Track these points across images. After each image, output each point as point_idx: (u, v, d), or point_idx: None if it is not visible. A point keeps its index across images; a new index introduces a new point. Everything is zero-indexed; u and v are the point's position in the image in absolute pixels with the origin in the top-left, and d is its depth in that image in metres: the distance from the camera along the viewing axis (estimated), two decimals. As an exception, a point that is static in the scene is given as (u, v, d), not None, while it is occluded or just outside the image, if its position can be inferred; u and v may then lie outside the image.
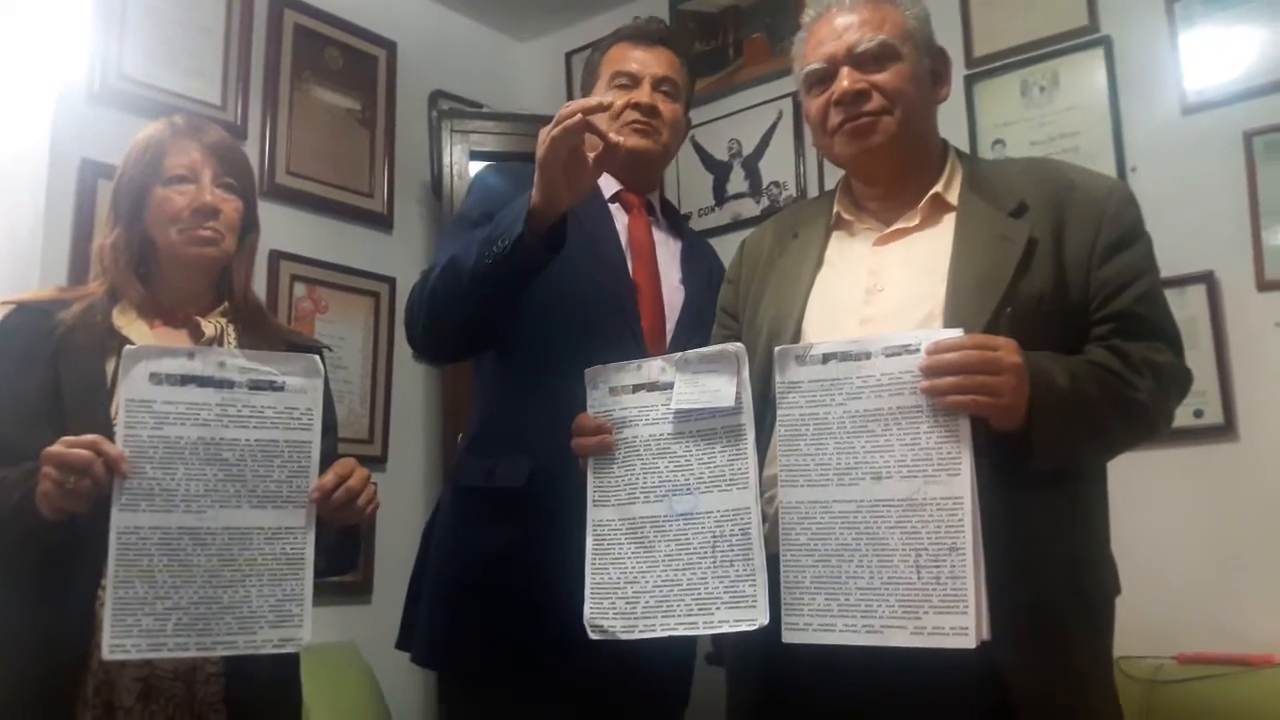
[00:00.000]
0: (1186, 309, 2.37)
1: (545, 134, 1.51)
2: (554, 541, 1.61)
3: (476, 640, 1.75)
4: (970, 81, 2.79)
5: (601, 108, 1.58)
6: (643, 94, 1.91)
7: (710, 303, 1.81)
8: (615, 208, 1.95)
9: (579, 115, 1.49)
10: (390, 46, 3.31)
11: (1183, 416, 2.27)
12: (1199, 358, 2.34)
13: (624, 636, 1.38)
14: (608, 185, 1.94)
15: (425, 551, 1.92)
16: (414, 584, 1.92)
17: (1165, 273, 1.57)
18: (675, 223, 2.09)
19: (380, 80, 3.27)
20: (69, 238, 2.47)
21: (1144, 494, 2.25)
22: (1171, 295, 2.26)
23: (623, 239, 1.91)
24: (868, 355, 1.28)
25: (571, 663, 1.60)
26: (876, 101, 1.45)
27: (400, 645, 1.91)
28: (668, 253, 1.97)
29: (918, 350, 1.25)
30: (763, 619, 1.30)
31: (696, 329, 1.84)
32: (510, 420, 1.83)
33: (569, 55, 3.63)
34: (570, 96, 3.59)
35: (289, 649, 1.37)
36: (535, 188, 1.56)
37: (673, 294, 1.90)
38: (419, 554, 1.94)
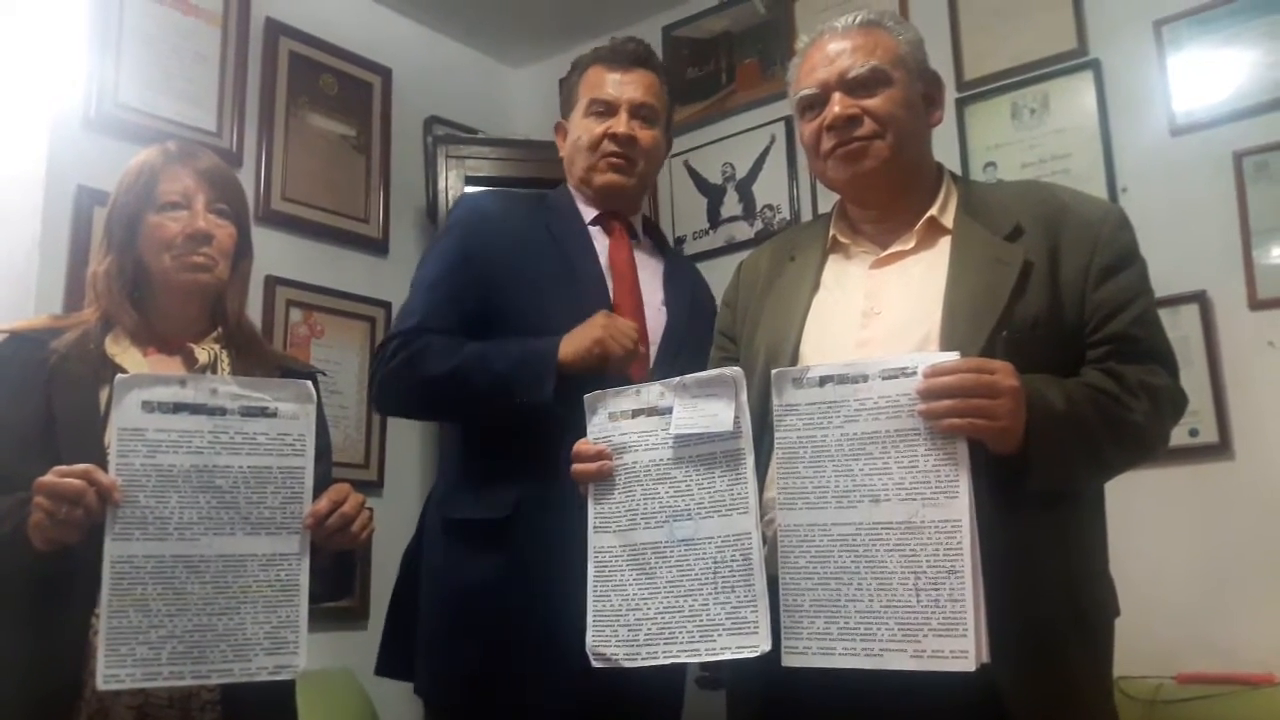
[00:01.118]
0: (1179, 329, 2.37)
1: (616, 344, 1.69)
2: (544, 569, 1.60)
3: (472, 671, 1.74)
4: (961, 104, 2.81)
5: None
6: (619, 124, 1.91)
7: (692, 324, 1.84)
8: (596, 230, 1.95)
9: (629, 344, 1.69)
10: (385, 73, 3.32)
11: (1178, 436, 2.27)
12: (1193, 377, 2.34)
13: (626, 664, 1.37)
14: (588, 211, 1.96)
15: (408, 578, 1.91)
16: (395, 610, 1.91)
17: (1158, 293, 1.57)
18: (658, 243, 2.10)
19: (375, 106, 3.28)
20: (65, 264, 2.47)
21: (1141, 514, 2.24)
22: (1164, 315, 2.25)
23: (603, 262, 1.91)
24: (865, 378, 1.28)
25: (564, 688, 1.59)
26: (868, 126, 1.46)
27: (380, 671, 1.90)
28: (649, 274, 1.97)
29: (915, 373, 1.25)
30: (765, 645, 1.29)
31: (680, 351, 1.86)
32: (494, 449, 1.82)
33: (563, 81, 3.65)
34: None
35: (284, 676, 1.36)
36: (574, 356, 1.68)
37: (655, 316, 1.91)
38: (400, 579, 1.93)
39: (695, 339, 1.90)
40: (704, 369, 1.98)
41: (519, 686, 1.71)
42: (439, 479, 2.00)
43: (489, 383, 1.71)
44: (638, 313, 1.87)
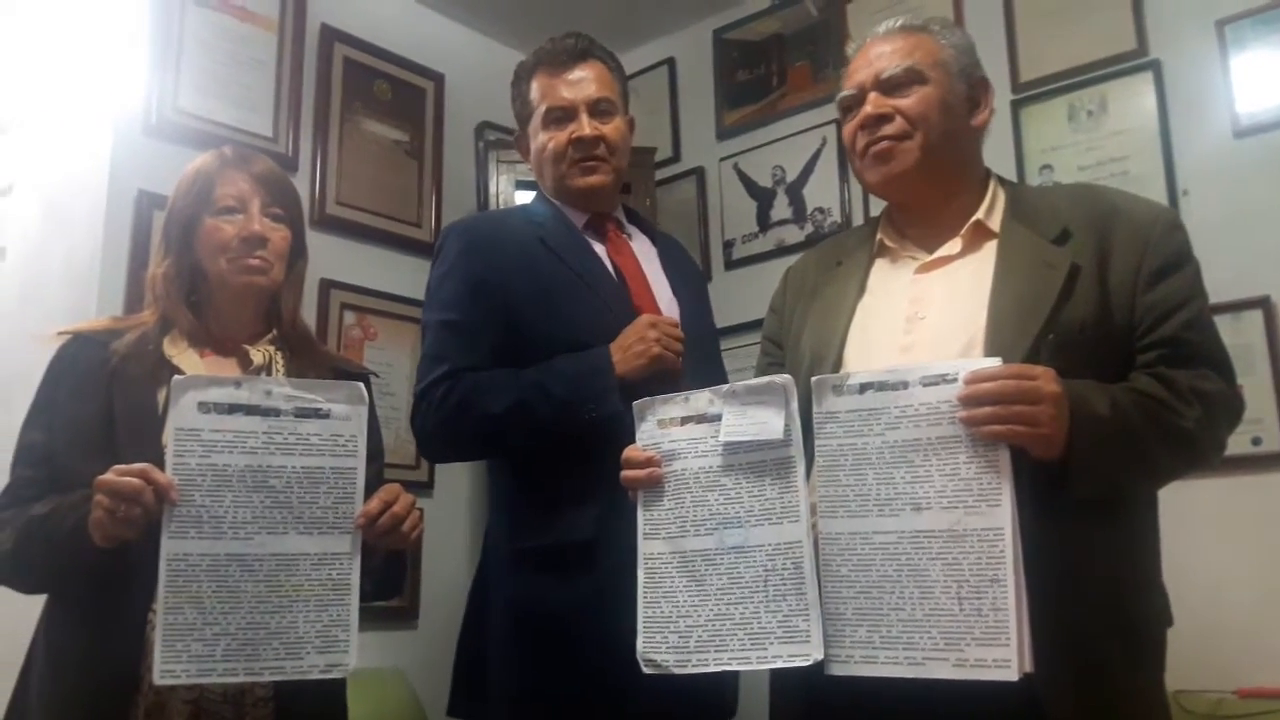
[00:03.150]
0: (1242, 335, 2.33)
1: (653, 353, 1.72)
2: (622, 587, 1.58)
3: (560, 703, 1.72)
4: (1017, 106, 2.77)
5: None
6: (582, 127, 1.89)
7: (695, 303, 1.88)
8: (590, 235, 1.94)
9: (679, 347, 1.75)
10: (438, 79, 3.36)
11: (1240, 444, 2.24)
12: (1256, 384, 2.29)
13: (677, 671, 1.36)
14: (577, 218, 1.94)
15: (478, 615, 1.87)
16: (466, 648, 1.87)
17: (1220, 298, 1.54)
18: (641, 226, 2.08)
19: (428, 112, 3.32)
20: (126, 267, 2.53)
21: (1202, 523, 2.20)
22: (1227, 321, 2.25)
23: (610, 268, 1.90)
24: (905, 385, 1.27)
25: (634, 700, 1.58)
26: (897, 125, 1.46)
27: (454, 713, 1.86)
28: (653, 267, 1.97)
29: (955, 380, 1.24)
30: (817, 654, 1.27)
31: (699, 339, 1.87)
32: (568, 474, 1.77)
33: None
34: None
35: (335, 674, 1.37)
36: (632, 371, 1.72)
37: (670, 309, 1.90)
38: (469, 616, 1.89)
39: (705, 318, 1.95)
40: (712, 350, 1.99)
41: (600, 702, 1.69)
42: (495, 511, 1.94)
43: (553, 409, 1.71)
44: (655, 312, 1.87)
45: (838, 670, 1.27)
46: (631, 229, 2.03)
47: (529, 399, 1.72)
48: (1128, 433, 1.27)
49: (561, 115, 1.91)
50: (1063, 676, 1.22)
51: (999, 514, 1.20)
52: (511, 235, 1.91)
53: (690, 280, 2.04)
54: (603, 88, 1.93)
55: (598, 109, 1.91)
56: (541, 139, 1.93)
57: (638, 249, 1.98)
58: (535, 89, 1.95)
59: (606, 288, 1.87)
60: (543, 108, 1.92)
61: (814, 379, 1.35)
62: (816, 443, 1.33)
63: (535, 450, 1.80)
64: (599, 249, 1.93)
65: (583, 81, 1.92)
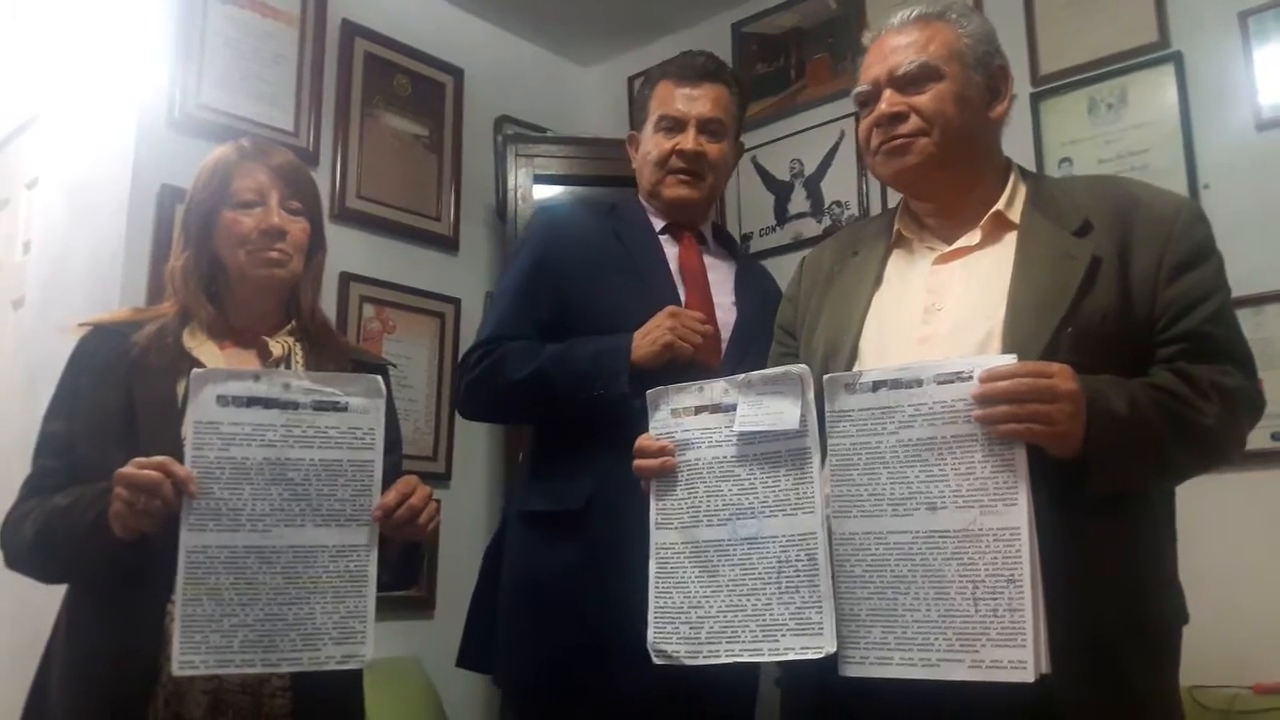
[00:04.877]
0: (1264, 328, 2.31)
1: (663, 340, 1.75)
2: (618, 560, 1.62)
3: (548, 658, 1.78)
4: (1036, 99, 2.75)
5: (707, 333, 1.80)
6: (687, 140, 1.96)
7: (764, 321, 1.85)
8: (665, 239, 1.99)
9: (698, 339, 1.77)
10: (457, 73, 3.37)
11: (1261, 440, 2.22)
12: (1277, 379, 2.27)
13: (688, 662, 1.36)
14: (658, 220, 2.01)
15: (490, 573, 1.95)
16: (478, 604, 1.96)
17: (1242, 292, 1.52)
18: (729, 248, 2.13)
19: (448, 106, 3.33)
20: (148, 260, 2.54)
21: (1220, 519, 2.19)
22: (1248, 315, 2.24)
23: (673, 267, 1.95)
24: (919, 383, 1.25)
25: (638, 679, 1.60)
26: (913, 123, 1.45)
27: (461, 663, 1.94)
28: (720, 276, 2.01)
29: (970, 378, 1.22)
30: (830, 647, 1.27)
31: (750, 348, 1.87)
32: (573, 446, 1.86)
33: (631, 79, 3.67)
34: (632, 121, 3.61)
35: (352, 665, 1.38)
36: (646, 359, 1.76)
37: (724, 315, 1.93)
38: (482, 574, 1.97)
39: (767, 334, 1.92)
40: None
41: (594, 675, 1.74)
42: (521, 478, 2.05)
43: (568, 381, 1.79)
44: (708, 312, 1.90)
45: (852, 671, 1.26)
46: (716, 247, 2.09)
47: (548, 369, 1.81)
48: (1146, 430, 1.25)
49: (672, 125, 1.98)
50: (1079, 677, 1.21)
51: (1015, 513, 1.19)
52: (587, 223, 2.01)
53: (768, 305, 2.05)
54: (718, 109, 2.00)
55: (707, 127, 1.98)
56: (649, 143, 2.02)
57: (711, 261, 2.03)
58: (656, 95, 2.03)
59: (662, 284, 1.92)
60: (657, 114, 2.01)
61: (826, 377, 1.33)
62: (829, 441, 1.32)
63: (551, 419, 1.90)
64: (670, 251, 1.98)
65: (701, 99, 1.99)
